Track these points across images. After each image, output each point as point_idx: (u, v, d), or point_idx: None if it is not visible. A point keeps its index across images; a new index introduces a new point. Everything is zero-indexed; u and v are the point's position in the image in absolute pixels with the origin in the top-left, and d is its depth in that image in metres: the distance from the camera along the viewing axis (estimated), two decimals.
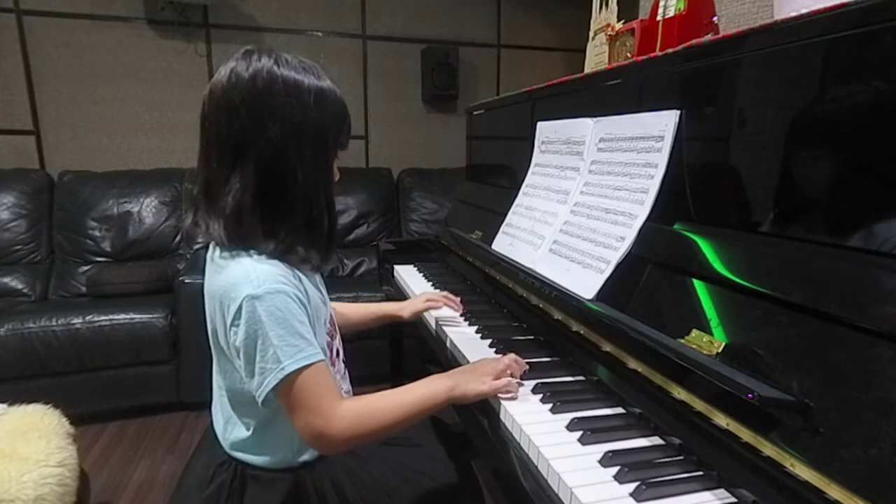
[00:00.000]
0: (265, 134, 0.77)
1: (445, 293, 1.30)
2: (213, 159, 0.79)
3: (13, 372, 2.04)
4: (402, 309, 1.26)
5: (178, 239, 2.74)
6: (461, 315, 1.26)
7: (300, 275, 0.83)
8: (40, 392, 1.71)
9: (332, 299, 0.97)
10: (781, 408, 0.58)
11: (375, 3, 3.22)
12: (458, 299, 1.28)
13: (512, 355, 0.92)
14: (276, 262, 0.79)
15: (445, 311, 1.27)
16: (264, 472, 0.85)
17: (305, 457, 0.87)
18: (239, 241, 0.78)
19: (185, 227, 0.85)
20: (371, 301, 2.41)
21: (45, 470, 1.27)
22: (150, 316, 2.19)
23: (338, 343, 0.96)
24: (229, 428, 0.87)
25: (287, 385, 0.74)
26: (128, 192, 2.71)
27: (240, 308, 0.74)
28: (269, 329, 0.74)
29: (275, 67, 0.78)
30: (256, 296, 0.74)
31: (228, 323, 0.76)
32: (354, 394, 1.00)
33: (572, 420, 0.79)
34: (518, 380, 0.91)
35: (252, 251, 0.79)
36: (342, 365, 0.97)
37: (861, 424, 0.53)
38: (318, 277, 0.92)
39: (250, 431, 0.85)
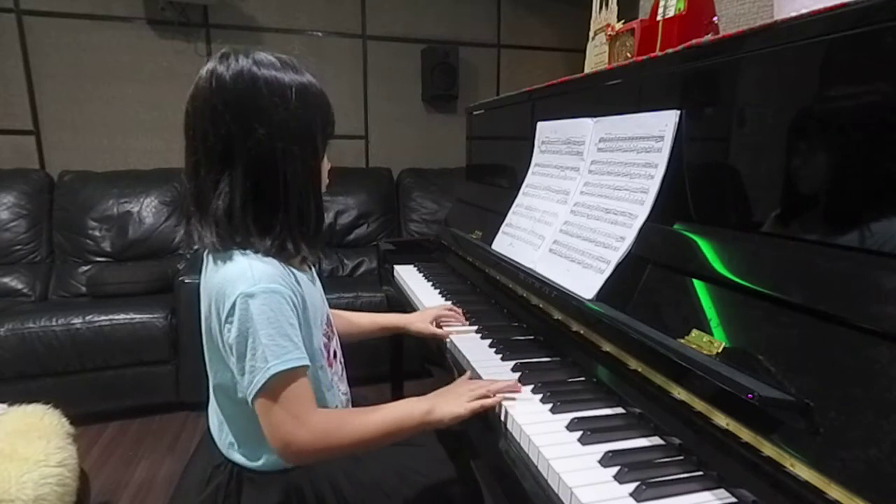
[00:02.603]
0: (252, 136, 0.76)
1: (451, 307, 1.26)
2: (202, 167, 0.78)
3: (13, 372, 2.05)
4: (410, 324, 1.22)
5: (178, 239, 2.74)
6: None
7: (297, 274, 0.83)
8: (40, 392, 1.71)
9: (331, 299, 0.97)
10: (781, 408, 0.58)
11: (375, 3, 3.22)
12: (462, 317, 1.23)
13: (500, 383, 0.89)
14: (272, 261, 0.79)
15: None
16: (260, 474, 0.85)
17: None
18: (232, 243, 0.78)
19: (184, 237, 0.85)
20: (371, 301, 2.42)
21: (45, 470, 1.27)
22: (150, 316, 2.19)
23: (335, 344, 0.96)
24: (223, 429, 0.87)
25: (269, 386, 0.74)
26: (128, 192, 2.70)
27: (234, 305, 0.74)
28: (260, 328, 0.73)
29: (255, 68, 0.77)
30: (251, 294, 0.74)
31: (223, 320, 0.76)
32: (353, 394, 1.00)
33: (572, 420, 0.79)
34: (507, 391, 0.87)
35: (248, 250, 0.78)
36: (339, 366, 0.96)
37: (861, 424, 0.52)
38: (315, 276, 0.92)
39: (243, 433, 0.84)
